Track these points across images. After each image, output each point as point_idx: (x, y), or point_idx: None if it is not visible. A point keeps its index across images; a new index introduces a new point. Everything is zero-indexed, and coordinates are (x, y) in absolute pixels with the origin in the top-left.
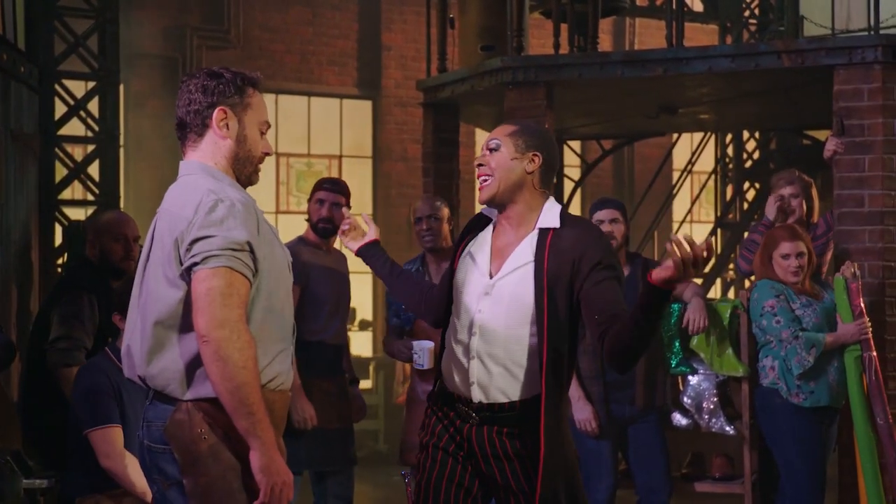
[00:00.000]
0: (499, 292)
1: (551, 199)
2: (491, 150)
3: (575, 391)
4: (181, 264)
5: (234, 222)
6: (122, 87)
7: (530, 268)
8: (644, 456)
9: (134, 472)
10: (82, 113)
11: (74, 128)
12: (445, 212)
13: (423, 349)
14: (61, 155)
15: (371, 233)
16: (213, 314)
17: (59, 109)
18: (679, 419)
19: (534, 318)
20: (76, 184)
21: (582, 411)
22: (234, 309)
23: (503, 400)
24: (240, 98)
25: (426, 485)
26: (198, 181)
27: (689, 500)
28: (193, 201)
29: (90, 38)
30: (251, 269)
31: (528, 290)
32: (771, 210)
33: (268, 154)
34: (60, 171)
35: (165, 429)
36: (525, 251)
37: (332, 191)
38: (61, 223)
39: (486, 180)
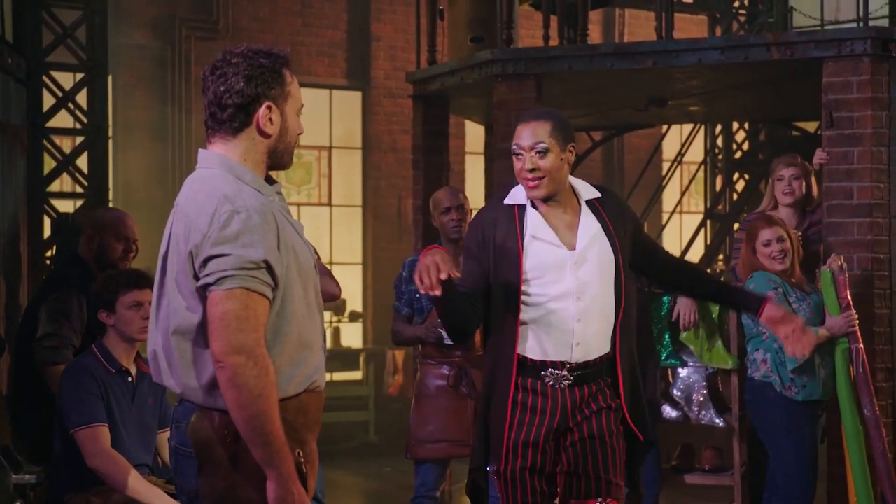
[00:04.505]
0: (590, 260)
1: None
2: (539, 153)
3: None
4: (196, 279)
5: (251, 238)
6: (110, 79)
7: (602, 235)
8: None
9: (120, 470)
10: (70, 105)
11: (63, 120)
12: (468, 202)
13: None
14: (50, 147)
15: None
16: (228, 339)
17: (48, 101)
18: (669, 411)
19: (615, 276)
20: (65, 176)
21: None
22: (249, 333)
23: (597, 356)
24: (281, 88)
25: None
26: (215, 181)
27: (678, 492)
28: (208, 210)
29: (78, 29)
30: (270, 285)
31: (609, 254)
32: (769, 194)
33: (300, 134)
34: (49, 164)
35: (188, 425)
36: (590, 223)
37: None
38: (50, 215)
39: (538, 182)
